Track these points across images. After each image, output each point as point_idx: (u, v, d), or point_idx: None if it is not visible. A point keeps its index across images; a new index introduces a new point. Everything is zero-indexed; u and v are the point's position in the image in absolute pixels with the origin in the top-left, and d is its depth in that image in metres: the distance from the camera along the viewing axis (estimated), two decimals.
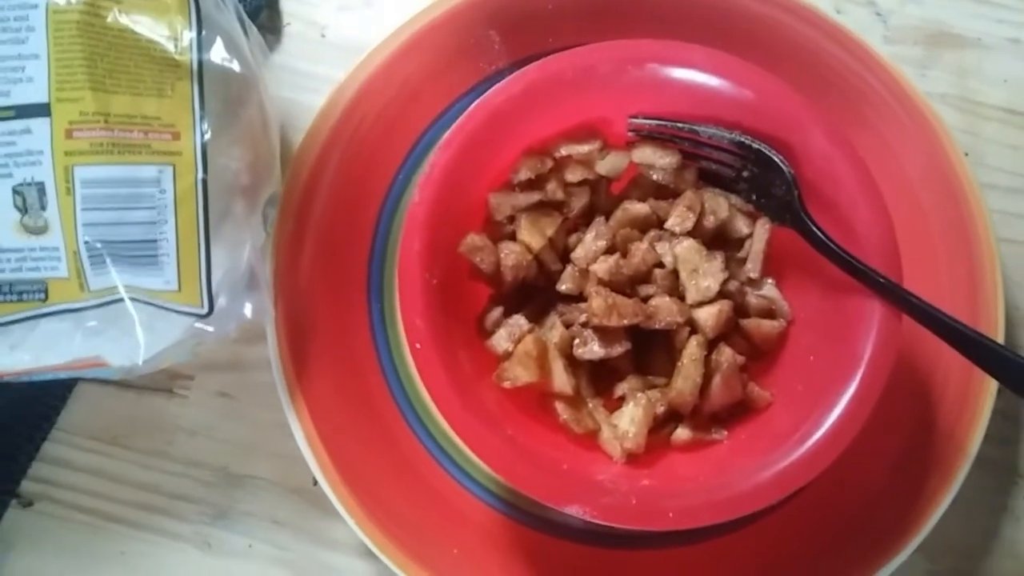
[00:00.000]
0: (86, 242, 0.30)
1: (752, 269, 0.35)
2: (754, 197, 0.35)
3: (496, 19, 0.39)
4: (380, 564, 0.34)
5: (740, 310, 0.35)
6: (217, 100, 0.32)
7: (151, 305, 0.31)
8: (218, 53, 0.32)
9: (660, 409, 0.33)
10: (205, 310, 0.31)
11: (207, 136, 0.31)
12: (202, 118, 0.32)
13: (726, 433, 0.33)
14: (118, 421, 0.37)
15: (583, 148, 0.35)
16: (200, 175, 0.31)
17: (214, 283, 0.32)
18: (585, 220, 0.36)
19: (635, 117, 0.35)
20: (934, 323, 0.30)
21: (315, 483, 0.37)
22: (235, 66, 0.33)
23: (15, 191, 0.31)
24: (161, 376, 0.38)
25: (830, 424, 0.30)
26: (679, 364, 0.33)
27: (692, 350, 0.33)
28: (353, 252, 0.37)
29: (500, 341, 0.34)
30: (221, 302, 0.33)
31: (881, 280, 0.31)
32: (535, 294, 0.36)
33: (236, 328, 0.35)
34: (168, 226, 0.31)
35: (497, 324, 0.34)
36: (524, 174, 0.35)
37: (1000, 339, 0.36)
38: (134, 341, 0.32)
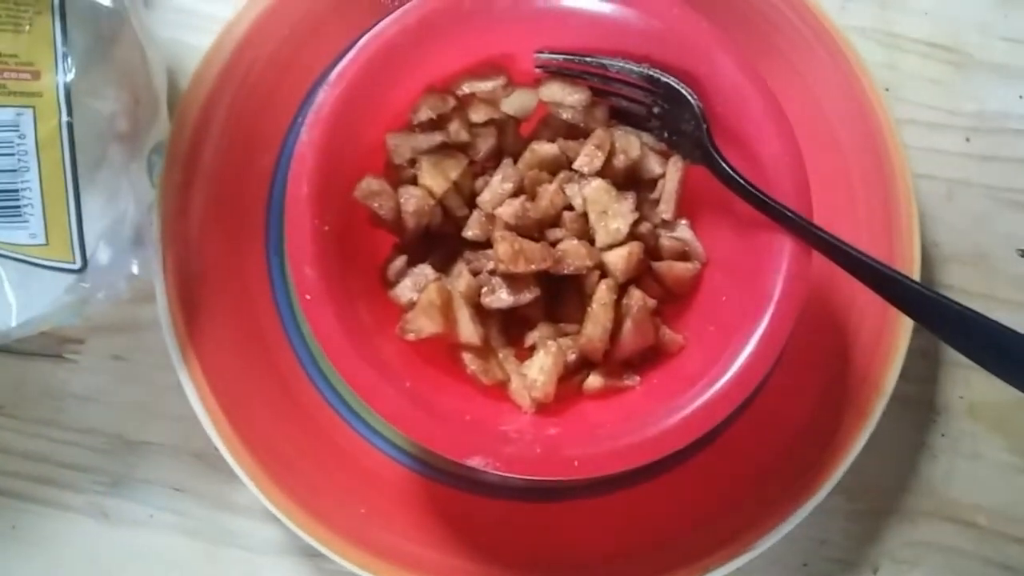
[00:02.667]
0: None
1: (665, 210, 0.34)
2: (666, 135, 0.33)
3: None
4: (287, 528, 0.33)
5: (653, 252, 0.34)
6: (83, 36, 0.30)
7: (18, 260, 0.29)
8: None
9: (571, 357, 0.32)
10: (78, 264, 0.29)
11: (71, 76, 0.29)
12: (65, 56, 0.29)
13: (639, 379, 0.32)
14: (3, 389, 0.35)
15: (487, 85, 0.33)
16: (64, 118, 0.29)
17: (91, 236, 0.30)
18: (493, 163, 0.34)
19: (541, 52, 0.33)
20: (846, 259, 0.29)
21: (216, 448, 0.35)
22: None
23: None
24: (49, 340, 0.36)
25: (739, 365, 0.29)
26: (589, 309, 0.32)
27: (601, 294, 0.32)
28: (249, 203, 0.35)
29: (404, 291, 0.32)
30: (101, 257, 0.30)
31: (789, 215, 0.30)
32: (440, 241, 0.34)
33: (127, 287, 0.33)
34: (31, 174, 0.29)
35: (401, 274, 0.33)
36: (424, 113, 0.33)
37: (916, 276, 0.35)
38: (5, 302, 0.29)
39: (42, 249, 0.29)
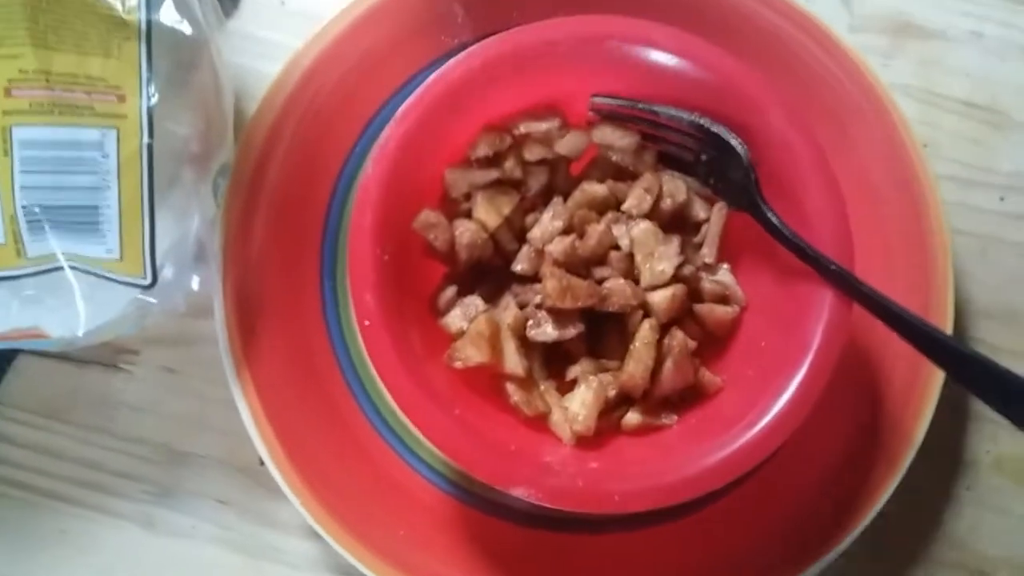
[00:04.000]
0: (24, 207, 0.29)
1: (708, 254, 0.35)
2: (711, 181, 0.35)
3: None
4: (326, 545, 0.33)
5: (694, 295, 0.34)
6: (166, 63, 0.31)
7: (92, 274, 0.30)
8: (168, 14, 0.31)
9: (611, 392, 0.33)
10: (148, 280, 0.31)
11: (154, 100, 0.30)
12: (149, 80, 0.31)
13: (676, 418, 0.33)
14: (59, 395, 0.36)
15: (542, 126, 0.34)
16: (145, 139, 0.30)
17: (159, 253, 0.31)
18: (543, 200, 0.36)
19: (596, 96, 0.35)
20: (884, 312, 0.30)
21: (262, 463, 0.36)
22: (186, 28, 0.32)
23: None
24: (105, 350, 0.37)
25: (777, 410, 0.30)
26: (631, 347, 0.33)
27: (644, 333, 0.33)
28: (306, 226, 0.37)
29: (454, 320, 0.33)
30: (166, 273, 0.32)
31: (832, 268, 0.31)
32: (490, 274, 0.35)
33: (184, 302, 0.34)
34: (111, 192, 0.30)
35: (451, 303, 0.34)
36: (482, 150, 0.34)
37: (949, 330, 0.36)
38: (74, 312, 0.31)
39: (116, 264, 0.30)
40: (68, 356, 0.37)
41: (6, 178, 0.29)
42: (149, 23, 0.31)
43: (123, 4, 0.30)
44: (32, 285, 0.30)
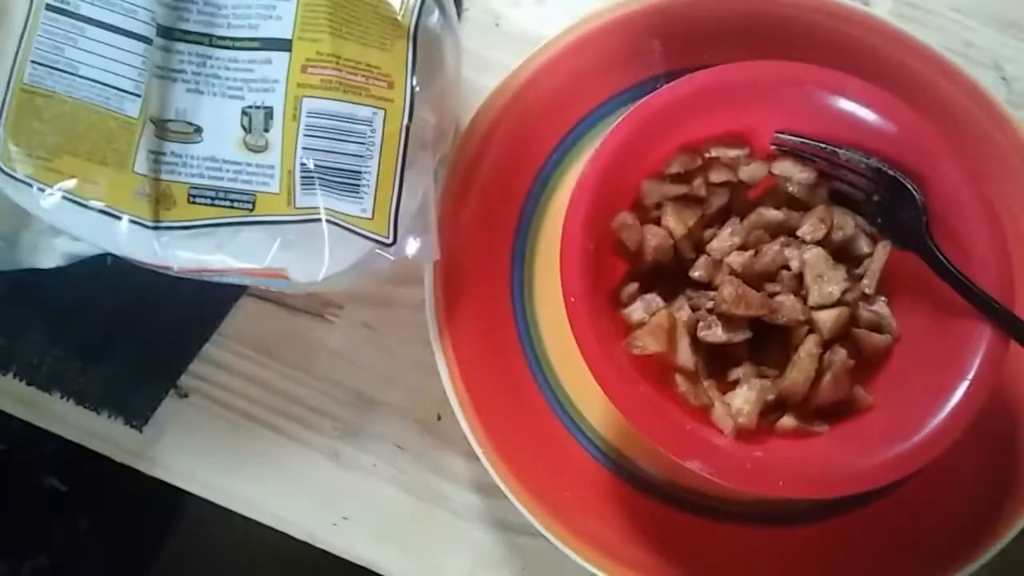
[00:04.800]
0: (303, 164, 0.35)
1: (868, 285, 0.38)
2: (879, 220, 0.38)
3: (661, 30, 0.43)
4: (488, 497, 0.37)
5: (852, 321, 0.38)
6: (425, 60, 0.37)
7: (344, 228, 0.35)
8: (433, 20, 0.37)
9: (770, 396, 0.37)
10: (390, 239, 0.35)
11: (416, 90, 0.36)
12: (412, 73, 0.36)
13: (827, 427, 0.37)
14: (272, 335, 0.42)
15: (732, 153, 0.39)
16: (405, 121, 0.36)
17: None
18: (720, 218, 0.40)
19: (781, 132, 0.39)
20: None
21: (439, 418, 0.40)
22: (443, 34, 0.37)
23: (243, 112, 0.35)
24: (315, 301, 0.42)
25: (933, 426, 0.33)
26: (795, 357, 0.36)
27: (810, 347, 0.36)
28: (505, 215, 0.41)
29: (636, 312, 0.37)
30: (400, 236, 0.37)
31: (995, 305, 0.34)
32: (667, 276, 0.39)
33: (390, 267, 0.39)
34: (372, 161, 0.35)
35: (633, 297, 0.38)
36: (676, 168, 0.39)
37: None
38: (319, 260, 0.36)
39: (367, 222, 0.35)
40: (284, 302, 0.42)
41: (291, 139, 0.35)
42: (417, 26, 0.36)
43: (402, 8, 0.36)
44: (293, 231, 0.35)
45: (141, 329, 0.41)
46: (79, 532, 0.63)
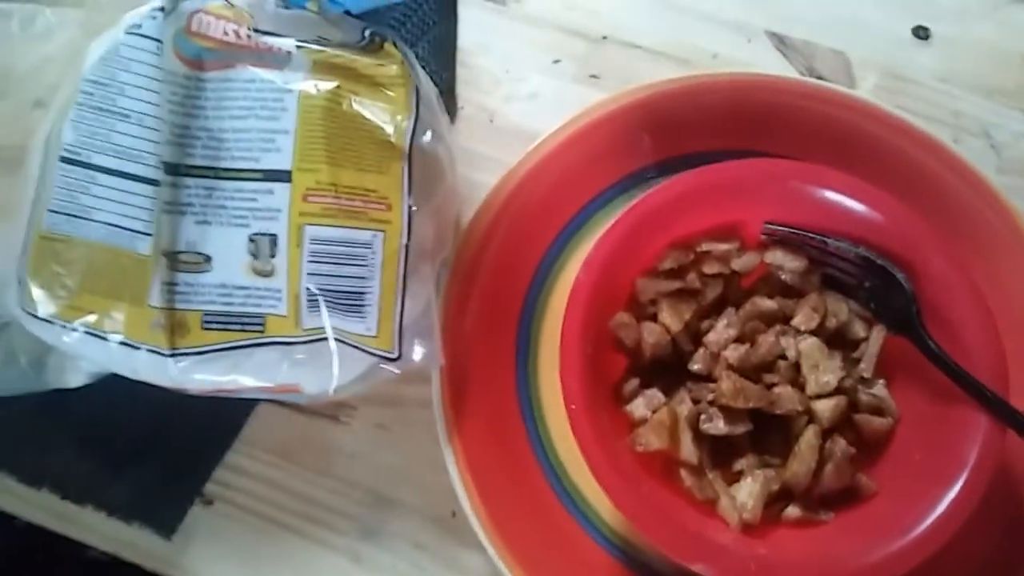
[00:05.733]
0: (307, 288, 0.36)
1: (865, 369, 0.39)
2: (872, 305, 0.39)
3: (649, 123, 0.44)
4: None
5: (851, 405, 0.39)
6: (421, 177, 0.38)
7: (351, 346, 0.37)
8: (426, 139, 0.38)
9: (774, 487, 0.37)
10: (396, 355, 0.37)
11: (413, 209, 0.37)
12: (409, 193, 0.37)
13: (833, 515, 0.37)
14: (289, 439, 0.43)
15: (723, 246, 0.40)
16: (404, 241, 0.37)
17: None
18: (715, 308, 0.41)
19: (770, 223, 0.40)
20: None
21: (454, 515, 0.42)
22: (438, 151, 0.39)
23: (250, 239, 0.37)
24: (330, 405, 0.43)
25: (935, 517, 0.34)
26: (796, 449, 0.37)
27: (809, 438, 0.37)
28: (506, 314, 0.43)
29: (638, 408, 0.38)
30: (404, 348, 0.38)
31: (989, 395, 0.34)
32: (667, 369, 0.40)
33: (405, 370, 0.40)
34: (374, 282, 0.37)
35: (634, 394, 0.39)
36: (669, 263, 0.40)
37: None
38: (329, 374, 0.37)
39: (372, 340, 0.37)
40: (299, 407, 0.44)
41: (296, 265, 0.37)
42: (411, 147, 0.38)
43: (395, 131, 0.38)
44: (302, 351, 0.37)
45: (165, 440, 0.43)
46: None
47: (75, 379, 0.40)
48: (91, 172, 0.36)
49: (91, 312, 0.36)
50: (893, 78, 0.48)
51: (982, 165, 0.44)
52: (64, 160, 0.36)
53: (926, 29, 0.48)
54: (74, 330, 0.37)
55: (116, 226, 0.36)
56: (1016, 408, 0.34)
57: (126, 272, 0.36)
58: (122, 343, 0.37)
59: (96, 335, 0.37)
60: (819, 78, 0.48)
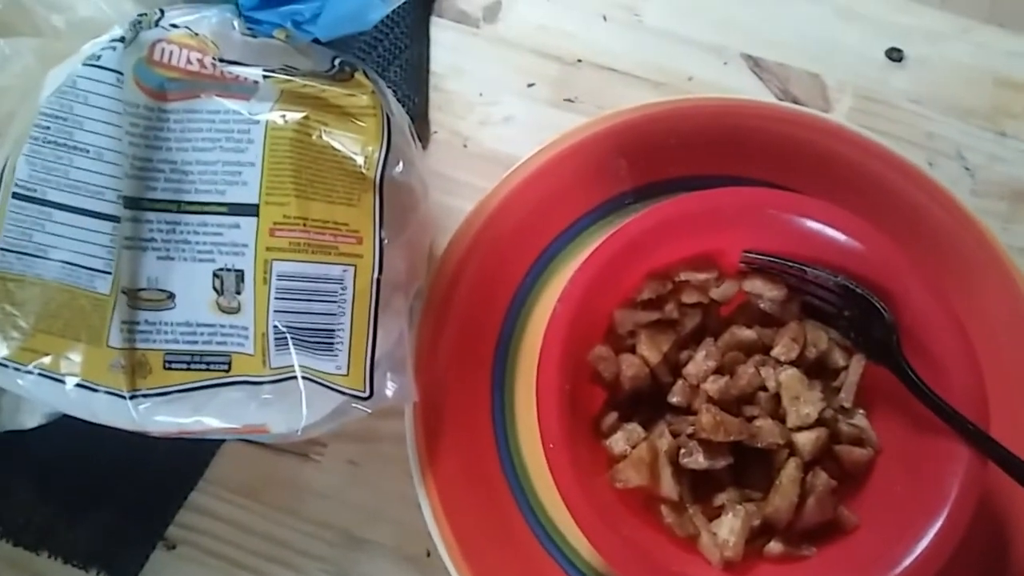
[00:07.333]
0: (275, 326, 0.35)
1: (846, 399, 0.38)
2: (852, 335, 0.39)
3: (625, 149, 0.44)
4: None
5: (832, 436, 0.38)
6: (393, 209, 0.37)
7: (320, 384, 0.36)
8: (398, 170, 0.37)
9: (756, 522, 0.37)
10: (367, 394, 0.36)
11: (385, 242, 0.36)
12: (381, 225, 0.36)
13: (815, 550, 0.37)
14: (257, 478, 0.42)
15: (701, 276, 0.39)
16: (375, 275, 0.36)
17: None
18: (694, 338, 0.40)
19: (749, 252, 0.39)
20: (1017, 473, 0.33)
21: (428, 554, 0.40)
22: (410, 181, 0.38)
23: (215, 274, 0.36)
24: (299, 442, 0.42)
25: (918, 552, 0.33)
26: (777, 483, 0.37)
27: (791, 471, 0.36)
28: (482, 347, 0.42)
29: (617, 443, 0.37)
30: (376, 385, 0.37)
31: (971, 428, 0.34)
32: (646, 401, 0.40)
33: (378, 406, 0.39)
34: (345, 318, 0.35)
35: (613, 428, 0.38)
36: (647, 294, 0.39)
37: None
38: (297, 414, 0.36)
39: (343, 378, 0.35)
40: (267, 445, 0.42)
41: (263, 302, 0.35)
42: (383, 178, 0.37)
43: (366, 163, 0.36)
44: (269, 390, 0.36)
45: (126, 481, 0.41)
46: None
47: (31, 420, 0.38)
48: (46, 209, 0.34)
49: (46, 354, 0.35)
50: (868, 100, 0.47)
51: (957, 187, 0.44)
52: (16, 196, 0.34)
53: (900, 51, 0.48)
54: (28, 372, 0.35)
55: (73, 264, 0.35)
56: (997, 441, 0.34)
57: (84, 312, 0.35)
58: (79, 385, 0.35)
59: (52, 377, 0.35)
60: (794, 100, 0.47)
